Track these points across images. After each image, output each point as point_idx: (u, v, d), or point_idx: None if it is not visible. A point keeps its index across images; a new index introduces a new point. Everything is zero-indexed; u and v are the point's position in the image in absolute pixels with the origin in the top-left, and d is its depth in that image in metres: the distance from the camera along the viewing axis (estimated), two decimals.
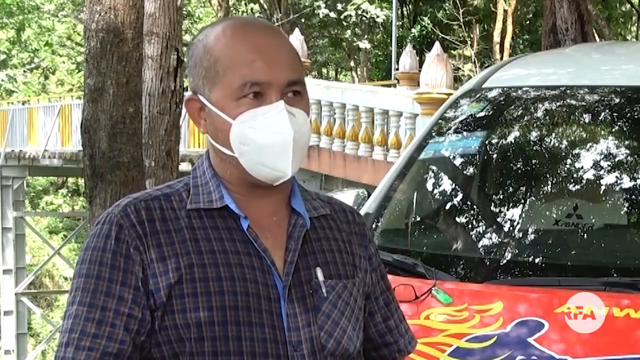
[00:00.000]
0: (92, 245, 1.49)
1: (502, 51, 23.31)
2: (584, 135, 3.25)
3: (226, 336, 1.45)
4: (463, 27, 24.03)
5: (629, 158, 3.08)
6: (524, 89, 3.38)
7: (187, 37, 25.86)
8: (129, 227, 1.47)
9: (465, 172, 3.39)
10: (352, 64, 29.71)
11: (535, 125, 3.29)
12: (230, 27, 1.53)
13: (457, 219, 3.17)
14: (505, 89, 3.40)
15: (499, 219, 3.07)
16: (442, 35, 23.88)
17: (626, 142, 3.12)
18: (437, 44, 11.23)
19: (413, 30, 26.43)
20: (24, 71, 31.00)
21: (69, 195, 33.72)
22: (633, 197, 3.01)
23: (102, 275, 1.46)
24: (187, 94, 1.58)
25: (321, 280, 1.54)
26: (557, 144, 3.25)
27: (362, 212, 3.12)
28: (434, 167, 3.36)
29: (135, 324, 1.45)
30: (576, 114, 3.26)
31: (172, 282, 1.45)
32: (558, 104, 3.31)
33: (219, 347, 1.45)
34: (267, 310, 1.48)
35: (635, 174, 3.01)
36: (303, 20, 25.35)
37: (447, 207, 3.23)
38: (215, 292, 1.45)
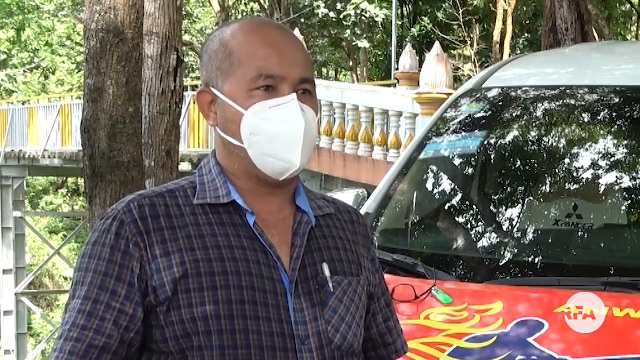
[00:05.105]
0: (92, 240, 1.50)
1: (502, 51, 23.29)
2: (584, 135, 3.25)
3: (233, 330, 1.45)
4: (463, 27, 24.02)
5: (628, 158, 3.08)
6: (524, 89, 3.38)
7: (187, 37, 25.86)
8: (130, 223, 1.47)
9: (465, 172, 3.38)
10: (352, 64, 29.68)
11: (535, 125, 3.29)
12: (247, 24, 1.57)
13: (457, 219, 3.17)
14: (505, 89, 3.40)
15: (498, 219, 3.07)
16: (442, 35, 23.86)
17: (626, 142, 3.12)
18: (437, 44, 11.22)
19: (413, 30, 26.41)
20: (24, 71, 30.98)
21: (69, 195, 33.71)
22: (633, 197, 3.01)
23: (98, 269, 1.47)
24: (194, 90, 1.59)
25: (328, 276, 1.54)
26: (557, 144, 3.25)
27: (362, 212, 3.12)
28: (434, 167, 3.36)
29: (126, 320, 1.45)
30: (576, 114, 3.26)
31: (177, 277, 1.45)
32: (558, 104, 3.31)
33: (226, 341, 1.44)
34: (274, 304, 1.48)
35: (635, 174, 3.01)
36: (303, 20, 25.33)
37: (447, 207, 3.23)
38: (221, 286, 1.46)
